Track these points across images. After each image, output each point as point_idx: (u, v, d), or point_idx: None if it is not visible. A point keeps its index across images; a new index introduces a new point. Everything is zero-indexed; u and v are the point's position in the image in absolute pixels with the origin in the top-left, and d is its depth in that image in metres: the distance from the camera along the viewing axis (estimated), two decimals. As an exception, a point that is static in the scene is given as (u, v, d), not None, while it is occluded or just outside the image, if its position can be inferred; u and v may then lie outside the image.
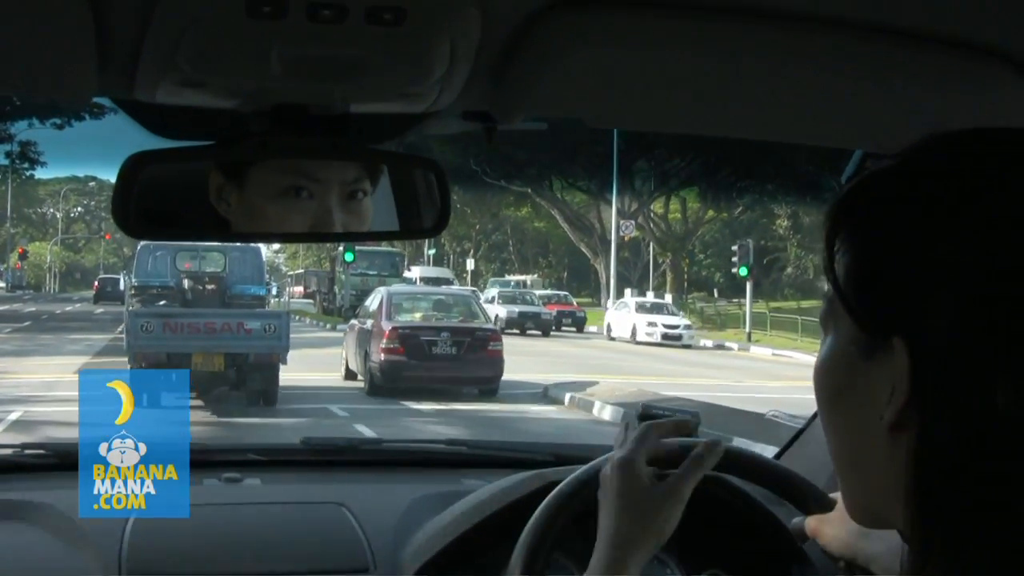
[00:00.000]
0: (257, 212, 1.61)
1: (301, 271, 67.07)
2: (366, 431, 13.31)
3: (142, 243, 18.67)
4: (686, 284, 50.81)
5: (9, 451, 2.64)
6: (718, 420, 13.73)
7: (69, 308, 50.24)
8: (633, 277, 51.19)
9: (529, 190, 44.42)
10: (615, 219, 41.56)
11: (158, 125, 1.64)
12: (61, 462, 2.56)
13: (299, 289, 56.55)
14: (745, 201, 42.14)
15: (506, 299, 38.96)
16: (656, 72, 1.40)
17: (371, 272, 39.11)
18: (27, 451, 2.70)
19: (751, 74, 1.40)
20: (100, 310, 46.35)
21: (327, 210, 1.61)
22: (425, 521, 2.22)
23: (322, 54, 1.33)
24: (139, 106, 1.55)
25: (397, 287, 24.50)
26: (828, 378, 0.87)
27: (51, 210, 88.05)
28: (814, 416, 2.61)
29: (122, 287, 48.49)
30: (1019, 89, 1.37)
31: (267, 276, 20.35)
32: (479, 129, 1.61)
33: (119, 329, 21.82)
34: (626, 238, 43.32)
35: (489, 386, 18.07)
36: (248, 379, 16.19)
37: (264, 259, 20.21)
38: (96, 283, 63.28)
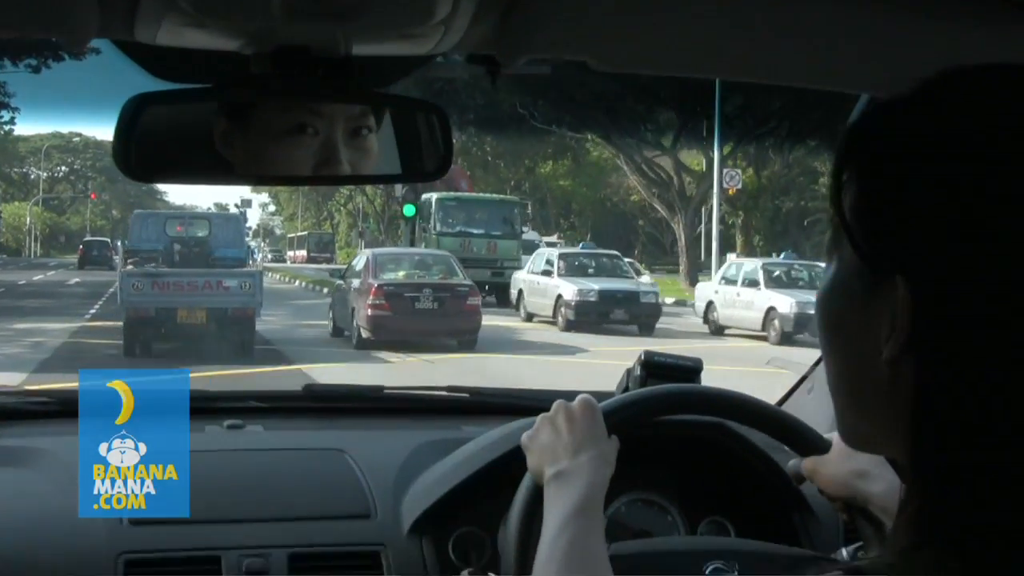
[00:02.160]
0: (262, 154, 1.60)
1: (303, 233, 64.47)
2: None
3: (135, 211, 22.12)
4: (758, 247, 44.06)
5: (12, 398, 2.65)
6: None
7: (39, 277, 41.76)
8: (666, 240, 46.97)
9: (590, 136, 38.96)
10: (718, 166, 31.95)
11: (159, 67, 1.63)
12: (63, 409, 2.57)
13: (300, 253, 54.09)
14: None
15: (574, 268, 24.96)
16: (662, 13, 1.39)
17: (476, 231, 29.98)
18: (29, 398, 2.71)
19: (759, 14, 1.39)
20: (76, 280, 39.31)
21: (333, 146, 1.60)
22: (426, 468, 2.23)
23: None
24: (140, 48, 1.54)
25: (380, 249, 25.84)
26: (830, 307, 0.87)
27: (33, 169, 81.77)
28: (815, 364, 2.62)
29: (111, 251, 46.87)
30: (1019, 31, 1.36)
31: (247, 241, 22.64)
32: (482, 72, 1.60)
33: (95, 308, 21.77)
34: (731, 191, 35.74)
35: (468, 338, 19.46)
36: (227, 331, 17.85)
37: (244, 226, 23.22)
38: (80, 247, 56.69)
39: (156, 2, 1.35)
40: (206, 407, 2.51)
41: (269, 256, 64.95)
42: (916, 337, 0.79)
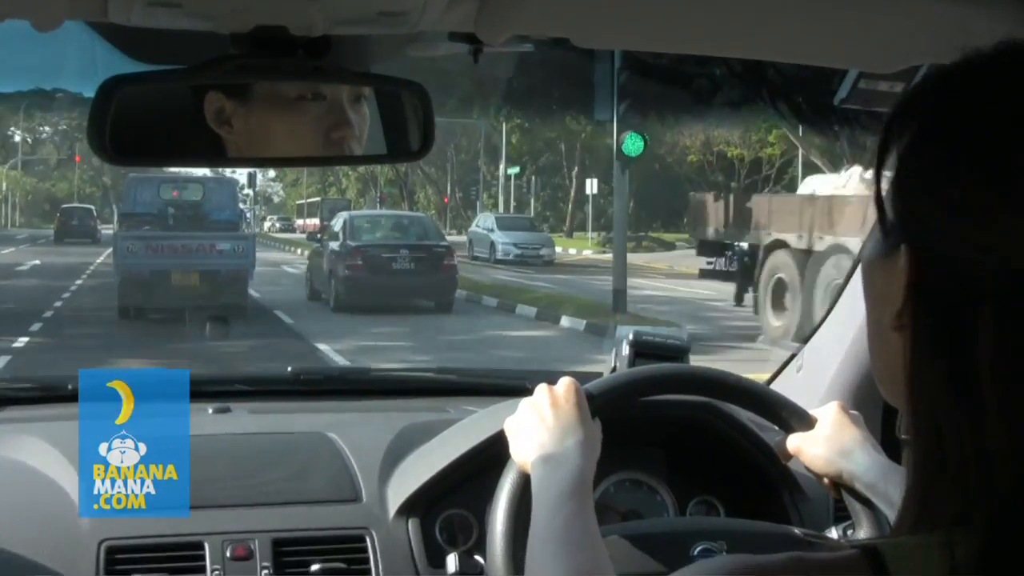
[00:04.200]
0: (268, 126, 1.58)
1: (315, 200, 59.17)
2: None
3: (130, 175, 21.54)
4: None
5: None
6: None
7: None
8: None
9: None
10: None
11: (134, 49, 1.61)
12: (47, 395, 2.55)
13: (313, 222, 48.88)
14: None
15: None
16: None
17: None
18: (15, 384, 2.69)
19: None
20: (35, 262, 29.67)
21: (342, 109, 1.59)
22: (412, 450, 2.21)
23: None
24: (114, 29, 1.51)
25: (356, 212, 26.88)
26: (863, 273, 0.91)
27: (14, 130, 69.88)
28: (805, 340, 2.61)
29: (95, 220, 42.93)
30: (1018, 12, 1.34)
31: (241, 205, 23.22)
32: (464, 51, 1.58)
33: (43, 318, 16.59)
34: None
35: (445, 298, 19.78)
36: (220, 293, 18.25)
37: (238, 190, 23.73)
38: (59, 215, 47.23)
39: None
40: (192, 391, 2.50)
41: (277, 225, 62.01)
42: (908, 308, 0.82)
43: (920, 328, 0.81)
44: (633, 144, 17.64)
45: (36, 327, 15.90)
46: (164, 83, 1.59)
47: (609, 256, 33.84)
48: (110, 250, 27.45)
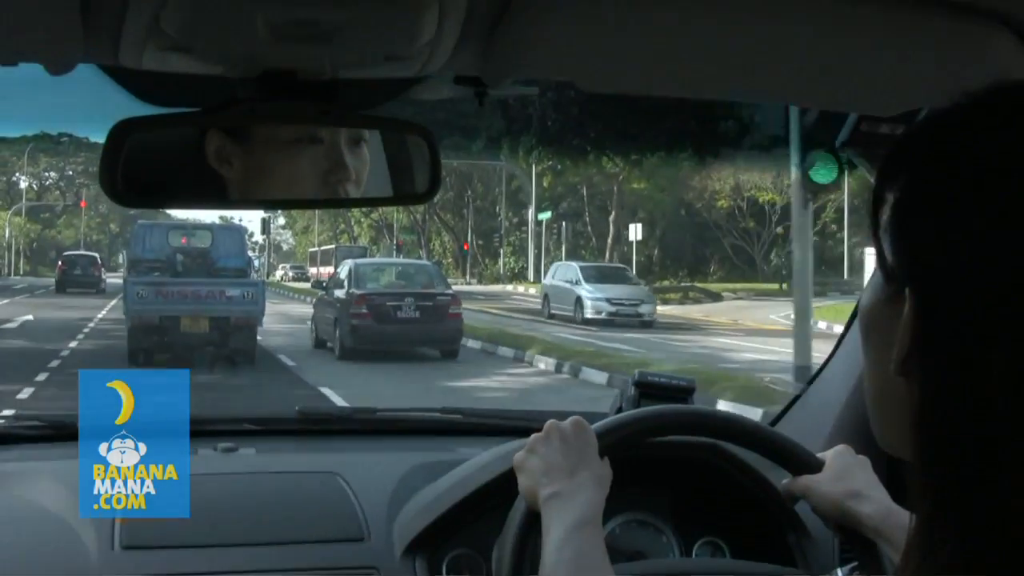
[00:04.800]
0: (264, 167, 1.59)
1: (330, 247, 56.32)
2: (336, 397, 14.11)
3: (138, 221, 22.12)
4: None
5: (2, 421, 2.64)
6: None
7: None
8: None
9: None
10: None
11: (145, 92, 1.63)
12: (56, 433, 2.56)
13: (327, 270, 44.17)
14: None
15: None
16: (650, 32, 1.38)
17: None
18: (21, 422, 2.70)
19: (749, 34, 1.38)
20: (27, 317, 26.04)
21: (339, 152, 1.60)
22: (419, 489, 2.21)
23: (308, 18, 1.31)
24: (125, 72, 1.53)
25: (362, 260, 25.97)
26: (862, 317, 0.91)
27: (20, 177, 67.68)
28: (809, 382, 2.61)
29: (98, 269, 40.55)
30: (1019, 54, 1.35)
31: (248, 252, 22.66)
32: (469, 94, 1.59)
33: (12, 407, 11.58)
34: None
35: (450, 347, 19.78)
36: (230, 339, 18.45)
37: (246, 237, 23.31)
38: (60, 263, 43.56)
39: (140, 27, 1.34)
40: (199, 430, 2.50)
41: (290, 274, 60.54)
42: (919, 350, 0.81)
43: (930, 372, 0.80)
44: (825, 168, 13.46)
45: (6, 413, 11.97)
46: (176, 126, 1.61)
47: (674, 309, 31.20)
48: (113, 303, 27.21)
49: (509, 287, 46.81)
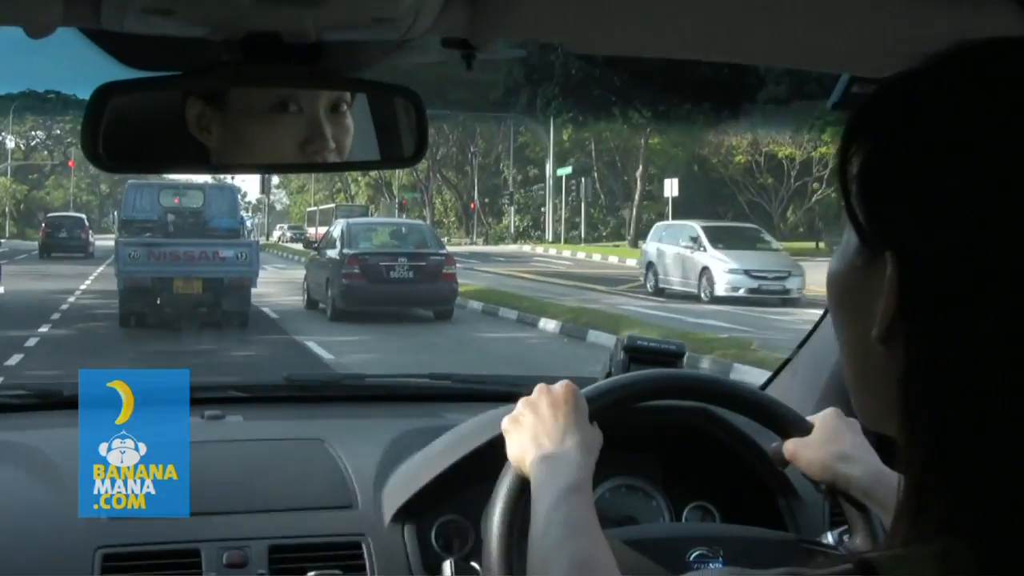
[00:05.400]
0: (242, 136, 1.58)
1: (329, 207, 53.66)
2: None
3: (129, 181, 21.08)
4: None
5: None
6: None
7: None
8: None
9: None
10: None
11: (127, 55, 1.61)
12: (41, 402, 2.55)
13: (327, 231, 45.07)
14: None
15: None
16: None
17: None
18: (6, 391, 2.68)
19: None
20: None
21: (317, 122, 1.58)
22: (407, 456, 2.21)
23: None
24: (107, 36, 1.51)
25: (354, 219, 25.25)
26: (834, 285, 0.88)
27: (5, 135, 62.64)
28: (800, 345, 2.61)
29: (86, 232, 37.93)
30: (1012, 14, 1.34)
31: (241, 212, 22.44)
32: (457, 57, 1.57)
33: None
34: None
35: (444, 307, 19.46)
36: (223, 301, 18.20)
37: (239, 197, 22.72)
38: (43, 225, 39.87)
39: None
40: None
41: (288, 235, 58.51)
42: (902, 316, 0.79)
43: (914, 335, 0.79)
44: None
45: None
46: (158, 89, 1.59)
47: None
48: (100, 269, 26.63)
49: (527, 247, 44.77)
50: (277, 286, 23.43)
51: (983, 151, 0.76)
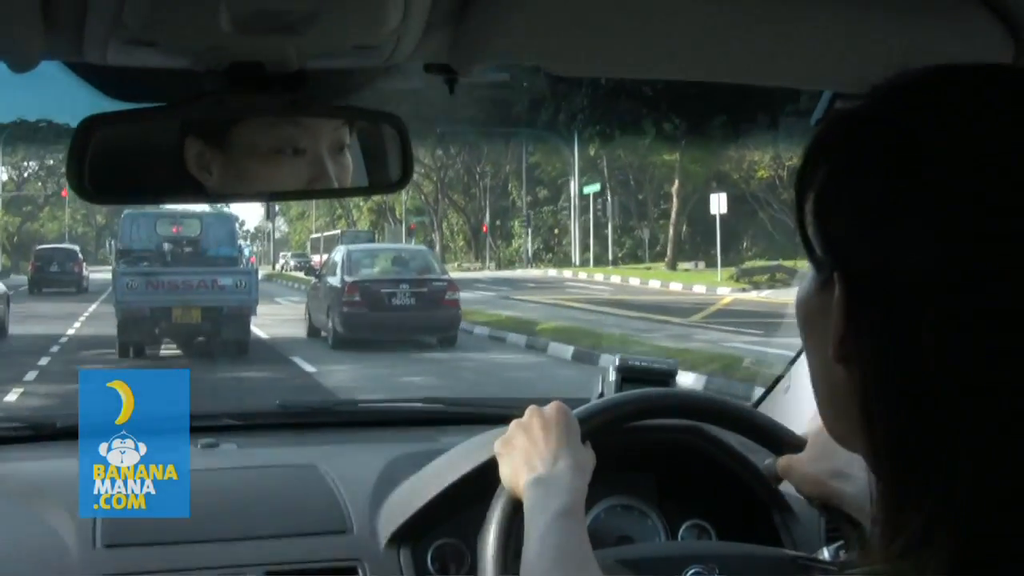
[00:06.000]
0: (245, 176, 1.58)
1: (334, 232, 51.18)
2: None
3: (125, 212, 20.89)
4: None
5: None
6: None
7: None
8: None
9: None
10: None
11: (112, 88, 1.61)
12: (36, 434, 2.55)
13: None
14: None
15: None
16: (619, 15, 1.37)
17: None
18: (2, 423, 2.68)
19: (720, 13, 1.37)
20: None
21: (322, 163, 1.59)
22: (402, 480, 2.20)
23: (272, 8, 1.30)
24: (90, 69, 1.52)
25: (355, 245, 24.91)
26: (799, 310, 0.90)
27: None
28: (791, 362, 2.61)
29: (79, 265, 35.44)
30: (992, 30, 1.35)
31: (239, 240, 22.26)
32: (440, 82, 1.58)
33: None
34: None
35: (447, 334, 19.15)
36: (222, 330, 18.08)
37: (236, 226, 22.53)
38: (32, 259, 36.58)
39: (102, 22, 1.32)
40: None
41: (291, 263, 53.23)
42: (851, 335, 0.82)
43: (864, 353, 0.81)
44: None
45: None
46: (144, 121, 1.59)
47: (772, 295, 24.08)
48: (93, 307, 26.01)
49: (552, 271, 42.06)
50: (299, 325, 21.89)
51: (926, 174, 0.79)
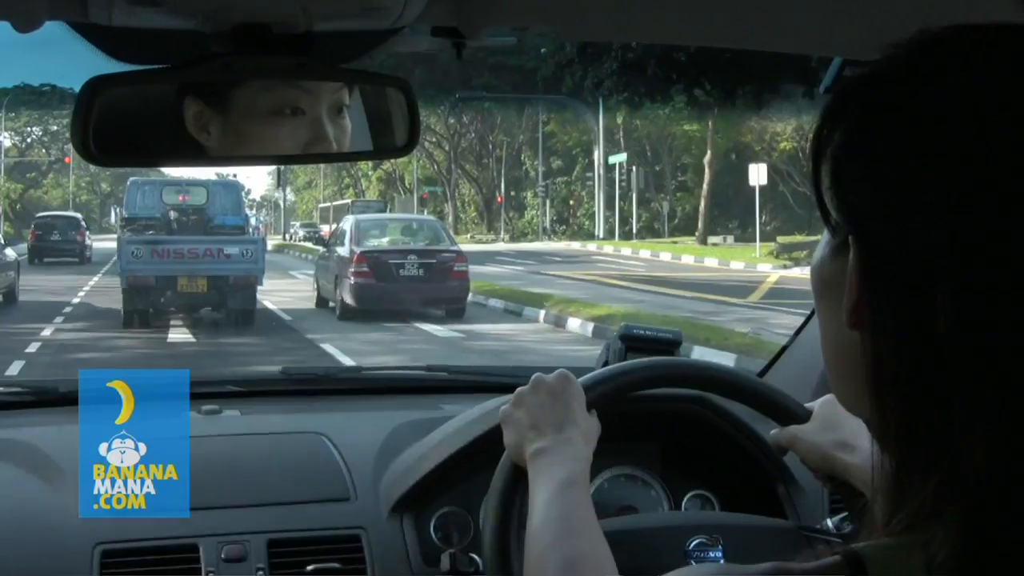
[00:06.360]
0: (244, 137, 1.57)
1: (344, 202, 50.01)
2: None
3: (130, 179, 20.82)
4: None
5: None
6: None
7: None
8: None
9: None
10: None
11: (117, 49, 1.59)
12: (39, 399, 2.54)
13: None
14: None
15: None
16: None
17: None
18: (5, 388, 2.68)
19: None
20: None
21: (321, 124, 1.57)
22: (405, 448, 2.20)
23: None
24: (96, 29, 1.50)
25: (364, 215, 24.76)
26: (814, 275, 0.90)
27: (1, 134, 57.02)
28: (797, 332, 2.60)
29: (82, 234, 34.48)
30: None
31: (245, 209, 21.92)
32: (448, 46, 1.56)
33: None
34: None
35: (455, 306, 18.96)
36: (229, 299, 17.90)
37: (243, 194, 22.23)
38: (32, 227, 35.09)
39: None
40: None
41: (300, 233, 51.26)
42: (866, 300, 0.81)
43: (879, 319, 0.80)
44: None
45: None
46: (148, 83, 1.58)
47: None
48: (95, 280, 25.67)
49: (575, 244, 40.88)
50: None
51: (944, 137, 0.78)
